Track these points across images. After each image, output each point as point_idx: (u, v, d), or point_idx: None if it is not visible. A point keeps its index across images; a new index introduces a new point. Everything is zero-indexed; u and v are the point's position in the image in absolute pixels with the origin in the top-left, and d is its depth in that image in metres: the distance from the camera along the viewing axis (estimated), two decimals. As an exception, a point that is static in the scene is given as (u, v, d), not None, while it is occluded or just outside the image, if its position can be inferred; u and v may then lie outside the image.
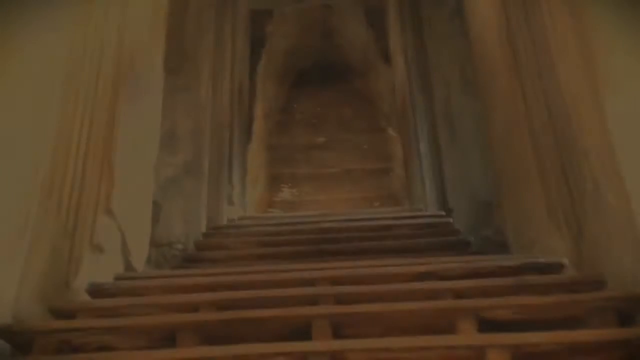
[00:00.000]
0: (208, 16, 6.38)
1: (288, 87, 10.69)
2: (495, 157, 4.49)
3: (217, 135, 5.93)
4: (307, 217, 5.71)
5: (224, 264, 4.31)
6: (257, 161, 9.94)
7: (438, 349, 2.18)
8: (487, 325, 2.44)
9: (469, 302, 2.58)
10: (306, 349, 2.20)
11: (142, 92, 4.47)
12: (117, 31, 4.24)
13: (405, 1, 6.45)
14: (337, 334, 2.44)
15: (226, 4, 6.40)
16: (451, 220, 5.23)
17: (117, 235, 3.90)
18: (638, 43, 2.77)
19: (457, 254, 4.31)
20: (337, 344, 2.25)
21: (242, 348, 2.25)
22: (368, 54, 10.18)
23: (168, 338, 2.50)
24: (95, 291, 3.24)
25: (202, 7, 6.23)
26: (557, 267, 3.10)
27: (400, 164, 9.99)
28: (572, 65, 3.02)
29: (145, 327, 2.55)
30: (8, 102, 3.14)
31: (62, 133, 3.77)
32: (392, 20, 7.13)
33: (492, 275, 3.05)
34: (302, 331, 2.43)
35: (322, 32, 10.54)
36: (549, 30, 3.24)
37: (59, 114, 3.73)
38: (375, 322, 2.51)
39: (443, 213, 5.44)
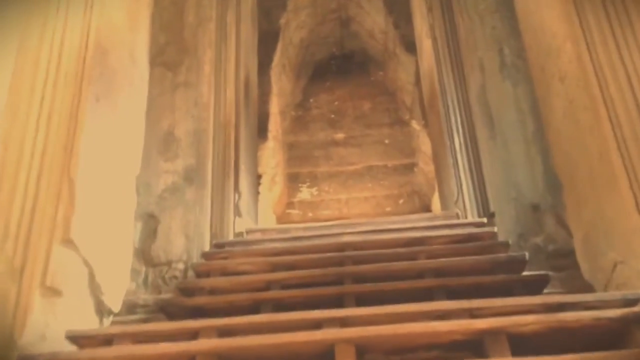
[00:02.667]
0: (209, 4, 5.35)
1: (304, 82, 9.63)
2: (555, 152, 3.40)
3: (222, 135, 4.92)
4: (325, 228, 4.68)
5: (224, 302, 3.30)
6: (274, 160, 8.93)
7: None
8: None
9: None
10: None
11: (118, 90, 3.47)
12: (82, 17, 3.25)
13: (431, -23, 5.37)
14: None
15: (230, -10, 5.38)
16: (495, 229, 4.14)
17: (82, 271, 2.91)
18: None
19: (512, 280, 3.25)
20: None
21: None
22: (388, 43, 9.09)
23: None
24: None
25: (202, -7, 5.22)
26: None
27: (425, 159, 8.90)
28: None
29: None
30: None
31: (7, 143, 2.84)
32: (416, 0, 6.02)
33: (589, 334, 1.99)
34: None
35: (339, 22, 9.47)
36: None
37: (3, 119, 2.79)
38: None
39: (484, 220, 4.36)
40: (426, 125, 8.16)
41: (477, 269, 3.51)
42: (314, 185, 9.30)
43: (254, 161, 5.65)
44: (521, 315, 2.20)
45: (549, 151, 4.67)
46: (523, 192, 4.54)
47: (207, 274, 3.90)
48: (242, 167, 4.95)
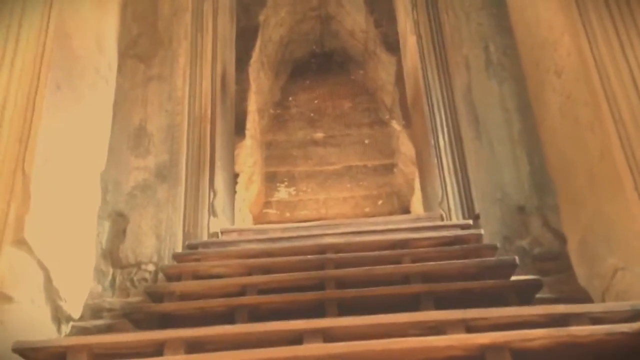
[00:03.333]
0: (185, -6, 5.04)
1: (284, 80, 9.34)
2: (549, 151, 3.19)
3: (197, 131, 4.61)
4: (305, 228, 4.40)
5: (195, 308, 3.00)
6: (251, 159, 8.63)
7: None
8: None
9: None
10: None
11: (82, 78, 3.16)
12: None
13: (415, -28, 5.12)
14: None
15: (206, -20, 5.07)
16: (482, 232, 3.91)
17: (36, 275, 2.59)
18: None
19: (503, 285, 3.01)
20: None
21: None
22: (368, 43, 8.85)
23: None
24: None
25: (177, -18, 4.90)
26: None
27: (405, 160, 8.69)
28: None
29: None
30: None
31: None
32: (400, -4, 5.77)
33: (601, 349, 1.75)
34: None
35: (319, 20, 9.19)
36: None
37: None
38: None
39: (469, 222, 4.13)
40: (407, 126, 7.93)
41: (465, 273, 3.27)
42: (292, 185, 9.01)
43: (231, 159, 5.35)
44: (522, 327, 1.96)
45: (536, 151, 4.47)
46: (508, 193, 4.32)
47: (178, 277, 3.59)
48: (218, 165, 4.65)
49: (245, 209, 8.66)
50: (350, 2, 8.67)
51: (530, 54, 3.25)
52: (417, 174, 8.19)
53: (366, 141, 8.85)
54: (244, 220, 8.51)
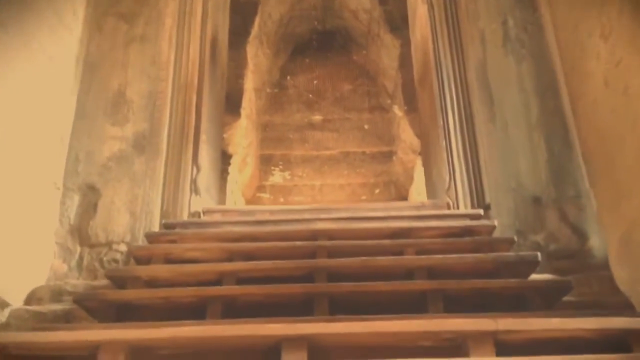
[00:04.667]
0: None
1: (283, 60, 8.73)
2: (585, 131, 2.62)
3: (181, 100, 4.03)
4: (296, 212, 3.83)
5: (160, 298, 2.44)
6: (247, 140, 8.05)
7: None
8: None
9: None
10: None
11: (36, 22, 2.57)
12: None
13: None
14: None
15: None
16: (495, 223, 3.35)
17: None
18: None
19: (525, 286, 2.46)
20: None
21: None
22: (372, 25, 8.24)
23: None
24: None
25: None
26: None
27: (404, 147, 8.11)
28: None
29: None
30: None
31: None
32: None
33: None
34: None
35: (321, -1, 8.57)
36: None
37: None
38: None
39: (480, 212, 3.57)
40: (409, 112, 7.36)
41: (478, 269, 2.72)
42: (287, 169, 8.43)
43: (219, 133, 4.76)
44: (569, 345, 1.40)
45: (555, 138, 3.91)
46: (523, 183, 3.77)
47: (148, 261, 3.03)
48: (204, 138, 4.08)
49: (237, 191, 8.10)
50: (355, -20, 8.06)
51: (568, 14, 2.67)
52: (416, 163, 7.64)
53: (366, 126, 8.27)
54: (236, 203, 7.95)
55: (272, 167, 8.46)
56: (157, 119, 3.98)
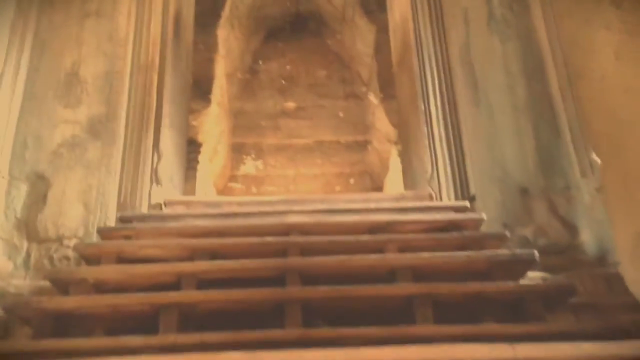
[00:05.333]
0: None
1: (255, 45, 8.28)
2: (593, 112, 2.31)
3: (141, 80, 3.60)
4: (267, 203, 3.45)
5: (106, 307, 2.04)
6: (218, 128, 7.60)
7: None
8: None
9: None
10: None
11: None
12: None
13: None
14: None
15: None
16: (484, 216, 3.02)
17: None
18: None
19: (526, 290, 2.12)
20: None
21: None
22: (346, 9, 7.85)
23: None
24: None
25: None
26: None
27: (380, 137, 7.76)
28: None
29: None
30: None
31: None
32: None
33: None
34: None
35: (295, -18, 8.15)
36: None
37: None
38: None
39: (466, 204, 3.24)
40: (384, 100, 7.01)
41: (469, 270, 2.38)
42: (259, 158, 8.02)
43: (184, 117, 4.32)
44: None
45: (544, 123, 3.59)
46: (510, 172, 3.46)
47: (98, 260, 2.61)
48: (166, 122, 3.65)
49: (208, 182, 7.66)
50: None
51: None
52: (392, 153, 7.30)
53: (340, 114, 7.89)
54: (207, 194, 7.52)
55: (244, 156, 8.05)
56: (114, 101, 3.54)
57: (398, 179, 7.01)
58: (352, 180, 8.04)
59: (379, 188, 8.04)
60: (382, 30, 6.99)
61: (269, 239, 2.69)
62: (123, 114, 3.52)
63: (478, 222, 2.96)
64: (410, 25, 3.82)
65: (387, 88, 6.98)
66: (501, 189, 3.43)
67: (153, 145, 3.52)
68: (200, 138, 7.01)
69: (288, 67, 7.86)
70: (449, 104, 3.63)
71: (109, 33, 3.69)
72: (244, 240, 2.69)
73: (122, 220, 3.15)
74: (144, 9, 3.73)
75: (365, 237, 2.72)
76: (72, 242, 3.29)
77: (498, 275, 2.34)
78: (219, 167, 7.95)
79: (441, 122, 3.59)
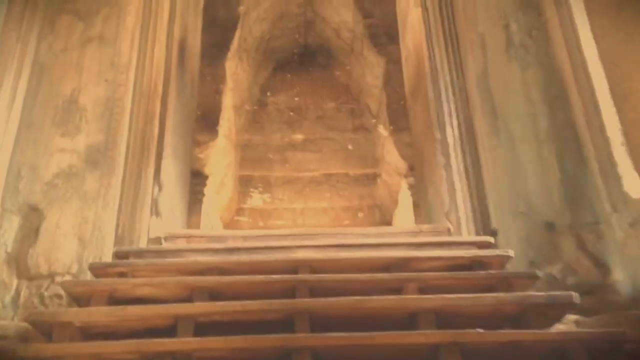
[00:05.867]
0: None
1: (264, 77, 8.13)
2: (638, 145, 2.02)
3: (143, 108, 3.38)
4: (274, 237, 3.17)
5: (89, 356, 1.76)
6: (225, 161, 7.39)
7: None
8: None
9: None
10: None
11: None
12: None
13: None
14: None
15: None
16: (510, 253, 2.73)
17: None
18: None
19: (571, 339, 1.82)
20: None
21: None
22: (355, 43, 7.71)
23: None
24: None
25: None
26: None
27: (389, 170, 7.50)
28: None
29: None
30: None
31: None
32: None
33: None
34: None
35: (304, 17, 8.04)
36: None
37: None
38: None
39: (490, 239, 2.95)
40: (395, 132, 6.79)
41: (499, 314, 2.09)
42: (266, 191, 7.77)
43: (187, 147, 4.08)
44: None
45: (568, 154, 3.33)
46: (534, 206, 3.18)
47: (88, 300, 2.33)
48: (168, 152, 3.42)
49: (214, 215, 7.41)
50: (339, -3, 7.53)
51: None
52: (402, 186, 7.04)
53: (349, 147, 7.66)
54: (213, 228, 7.26)
55: (251, 189, 7.80)
56: (114, 129, 3.32)
57: (408, 213, 6.73)
58: (360, 214, 7.76)
59: (388, 222, 7.75)
60: (392, 61, 6.83)
61: (276, 277, 2.41)
62: (123, 143, 3.29)
63: (504, 260, 2.68)
64: (425, 52, 3.60)
65: (397, 120, 6.79)
66: (525, 223, 3.15)
67: (154, 176, 3.28)
68: (207, 170, 6.79)
69: (296, 98, 7.68)
70: (467, 133, 3.38)
71: (111, 59, 3.49)
72: (248, 278, 2.41)
73: (117, 255, 2.89)
74: (148, 35, 3.54)
75: (381, 276, 2.43)
76: (65, 279, 3.03)
77: (531, 320, 2.05)
78: (226, 200, 7.70)
79: (459, 152, 3.34)
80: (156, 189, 3.26)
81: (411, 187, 6.86)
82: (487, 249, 2.79)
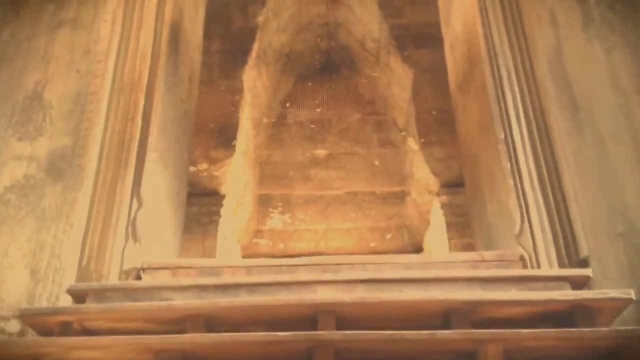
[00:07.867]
0: None
1: (284, 92, 7.30)
2: None
3: (122, 104, 2.53)
4: (285, 268, 2.24)
5: None
6: (242, 179, 6.53)
7: None
8: None
9: None
10: None
11: None
12: None
13: None
14: None
15: None
16: (632, 296, 1.76)
17: None
18: None
19: None
20: None
21: None
22: (380, 53, 6.84)
23: None
24: None
25: None
26: None
27: (419, 187, 6.54)
28: None
29: None
30: None
31: None
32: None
33: None
34: None
35: (326, 27, 7.22)
36: None
37: None
38: None
39: (587, 273, 1.98)
40: (425, 146, 5.86)
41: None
42: (287, 211, 6.86)
43: (182, 156, 3.13)
44: None
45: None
46: (637, 225, 2.22)
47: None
48: (154, 158, 2.54)
49: (231, 237, 6.53)
50: (362, 5, 6.70)
51: None
52: (433, 205, 6.09)
53: (376, 163, 6.73)
54: (230, 251, 6.38)
55: (271, 210, 6.89)
56: (84, 130, 2.47)
57: (441, 235, 5.79)
58: (388, 236, 6.77)
59: (418, 244, 6.76)
60: (421, 72, 5.96)
61: (285, 335, 1.49)
62: (96, 148, 2.43)
63: (621, 304, 1.71)
64: (480, 30, 2.69)
65: (427, 133, 5.90)
66: (625, 248, 2.19)
67: (132, 188, 2.40)
68: (223, 189, 5.94)
69: (318, 110, 6.80)
70: (539, 130, 2.44)
71: (86, 46, 2.66)
72: (244, 337, 1.49)
73: (72, 294, 2.00)
74: (134, 17, 2.71)
75: (443, 334, 1.49)
76: (10, 324, 2.16)
77: None
78: (244, 221, 6.82)
79: (530, 155, 2.39)
80: (134, 204, 2.37)
81: (444, 205, 5.89)
82: (586, 288, 1.82)
